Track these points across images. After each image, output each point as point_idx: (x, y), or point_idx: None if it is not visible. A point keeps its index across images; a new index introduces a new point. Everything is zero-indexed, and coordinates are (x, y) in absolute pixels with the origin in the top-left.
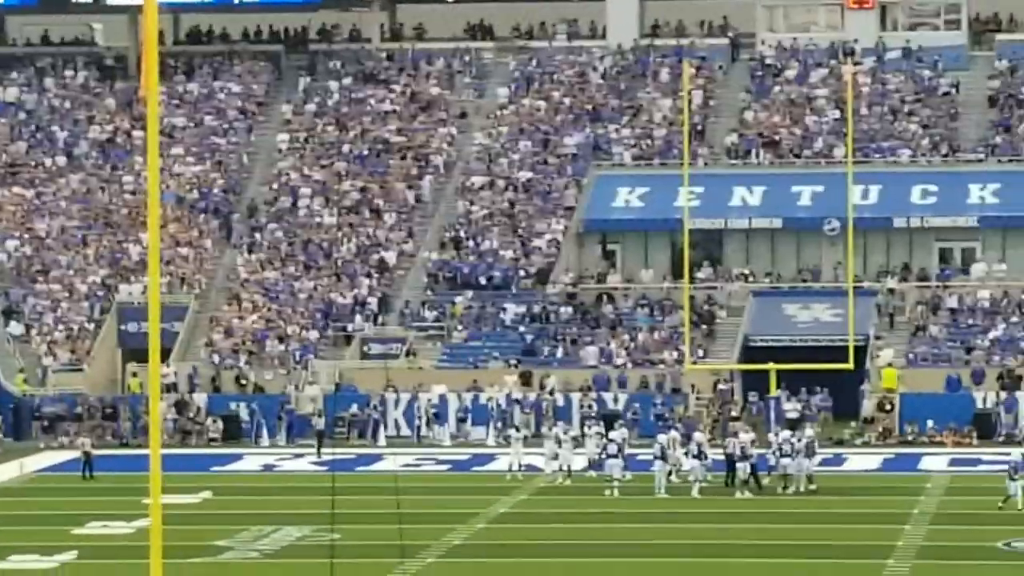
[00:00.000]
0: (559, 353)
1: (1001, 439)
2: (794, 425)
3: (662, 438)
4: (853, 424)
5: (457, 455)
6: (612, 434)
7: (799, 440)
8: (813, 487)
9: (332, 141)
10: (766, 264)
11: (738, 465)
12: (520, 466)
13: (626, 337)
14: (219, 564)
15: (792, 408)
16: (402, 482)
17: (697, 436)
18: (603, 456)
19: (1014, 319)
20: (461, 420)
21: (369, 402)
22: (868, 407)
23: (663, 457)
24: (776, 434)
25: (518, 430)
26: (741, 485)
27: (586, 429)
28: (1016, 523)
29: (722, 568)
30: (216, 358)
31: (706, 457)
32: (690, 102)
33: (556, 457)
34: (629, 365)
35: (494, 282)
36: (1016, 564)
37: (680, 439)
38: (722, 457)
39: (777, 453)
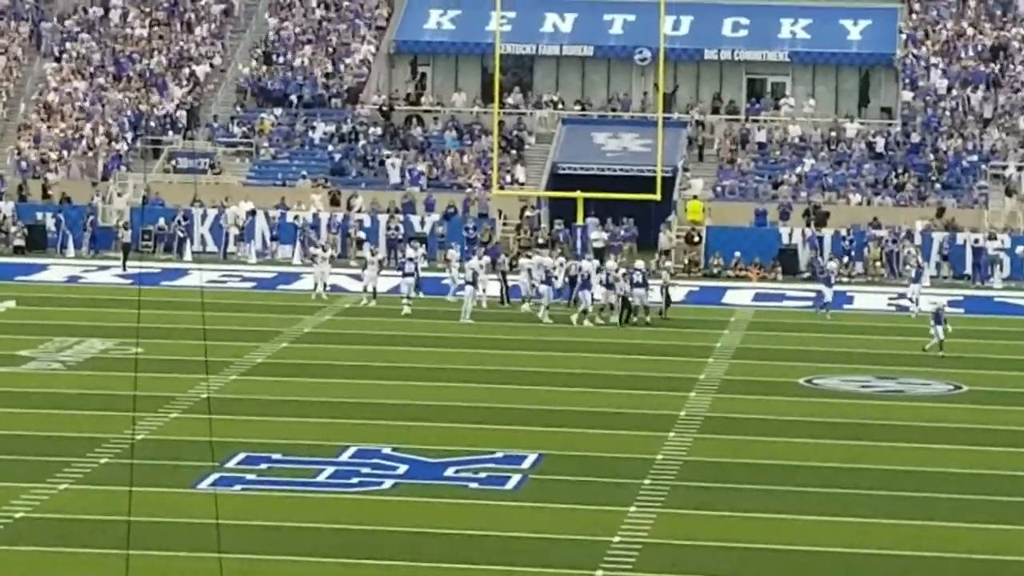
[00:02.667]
0: (368, 174)
1: (805, 275)
2: (600, 255)
3: (474, 263)
4: (657, 256)
5: (263, 273)
6: (409, 253)
7: (629, 271)
8: (649, 318)
9: None
10: (576, 92)
11: (580, 293)
12: (325, 286)
13: (434, 160)
14: (22, 374)
15: (598, 237)
16: (207, 298)
17: (547, 260)
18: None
19: (822, 155)
20: (273, 239)
21: (175, 216)
22: (663, 240)
23: (473, 282)
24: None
25: (325, 250)
26: (581, 315)
27: (411, 251)
28: (819, 360)
29: (522, 394)
30: (23, 166)
31: (556, 280)
32: None
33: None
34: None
35: (304, 100)
36: (816, 401)
37: (486, 265)
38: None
39: (604, 282)
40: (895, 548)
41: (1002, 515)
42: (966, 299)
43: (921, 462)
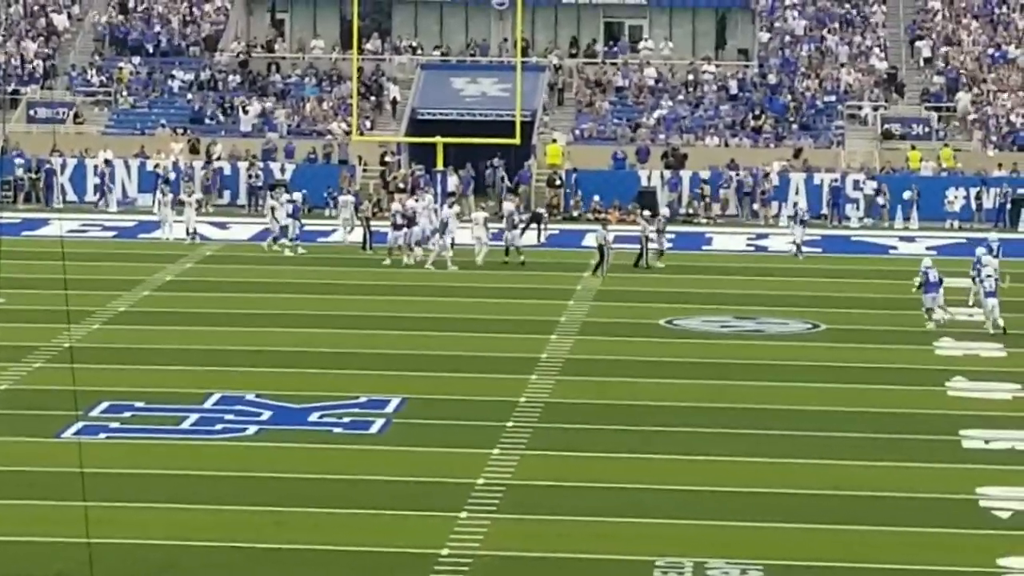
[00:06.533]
0: (226, 121)
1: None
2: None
3: (446, 212)
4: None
5: (123, 222)
6: (284, 197)
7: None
8: (522, 259)
9: None
10: (435, 37)
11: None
12: (193, 232)
13: (294, 107)
14: None
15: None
16: (68, 248)
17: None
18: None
19: (679, 97)
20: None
21: (35, 167)
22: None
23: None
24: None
25: (190, 195)
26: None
27: (285, 196)
28: (679, 301)
29: (384, 339)
30: None
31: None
32: None
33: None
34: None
35: (162, 48)
36: (677, 341)
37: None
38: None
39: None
40: (756, 485)
41: (860, 451)
42: (823, 238)
43: (781, 400)
